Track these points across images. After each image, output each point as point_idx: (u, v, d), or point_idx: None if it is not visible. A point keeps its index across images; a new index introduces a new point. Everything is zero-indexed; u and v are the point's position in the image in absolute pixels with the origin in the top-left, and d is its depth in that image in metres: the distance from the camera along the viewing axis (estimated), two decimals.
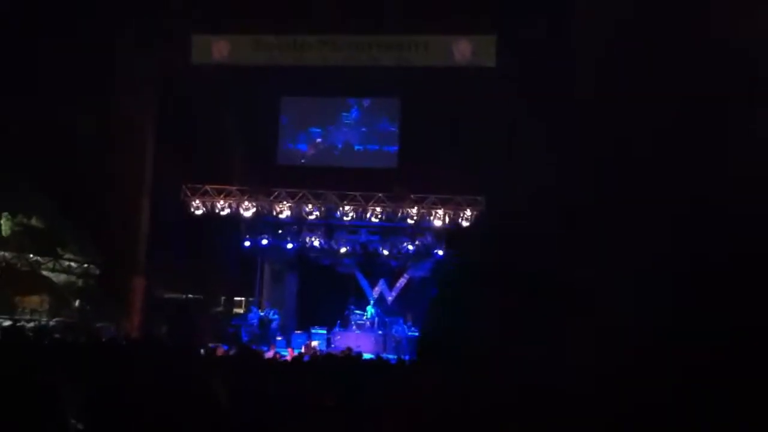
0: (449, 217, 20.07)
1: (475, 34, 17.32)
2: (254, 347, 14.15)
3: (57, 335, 13.59)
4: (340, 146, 21.57)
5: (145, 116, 19.42)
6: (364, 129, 21.45)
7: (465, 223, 20.06)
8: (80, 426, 3.65)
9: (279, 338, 20.91)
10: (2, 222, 22.70)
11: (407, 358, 14.30)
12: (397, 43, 17.61)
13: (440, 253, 21.21)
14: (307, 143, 21.69)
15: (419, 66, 17.53)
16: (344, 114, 21.38)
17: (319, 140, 21.60)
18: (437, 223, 20.24)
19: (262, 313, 21.67)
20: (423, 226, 20.53)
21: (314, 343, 19.79)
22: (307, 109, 21.66)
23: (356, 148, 21.46)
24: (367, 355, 12.61)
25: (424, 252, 21.42)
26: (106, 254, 20.43)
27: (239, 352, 10.55)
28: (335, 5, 17.32)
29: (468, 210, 19.87)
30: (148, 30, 17.32)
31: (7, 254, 22.86)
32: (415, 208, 20.22)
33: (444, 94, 17.82)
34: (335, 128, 21.42)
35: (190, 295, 22.96)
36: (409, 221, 20.43)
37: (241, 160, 20.15)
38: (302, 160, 21.67)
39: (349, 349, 14.64)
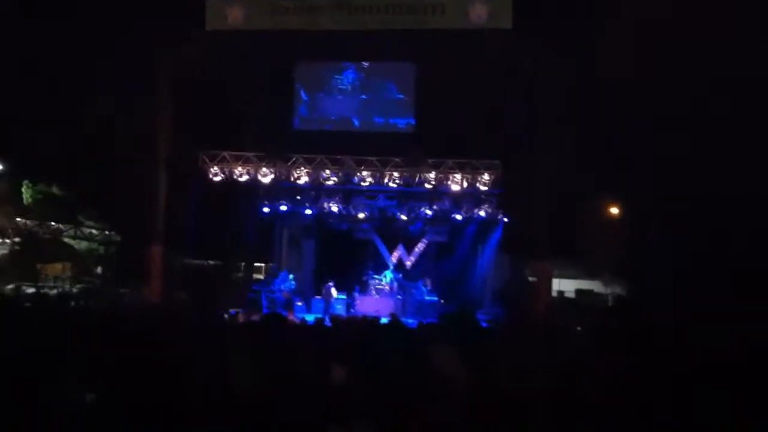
0: (467, 181, 20.00)
1: None
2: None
3: (80, 301, 13.76)
4: (343, 115, 21.37)
5: (161, 84, 19.40)
6: (364, 96, 21.31)
7: (483, 188, 20.00)
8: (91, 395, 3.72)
9: (299, 303, 21.09)
10: (23, 190, 22.94)
11: (427, 321, 14.35)
12: (413, 5, 17.39)
13: (458, 217, 21.23)
14: (319, 108, 21.57)
15: (435, 29, 17.31)
16: (347, 79, 21.19)
17: (328, 103, 21.45)
18: (455, 187, 20.19)
19: (292, 280, 21.82)
20: (441, 190, 20.49)
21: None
22: (320, 73, 21.54)
23: (355, 122, 21.27)
24: (384, 320, 12.68)
25: (442, 216, 21.43)
26: (126, 221, 20.60)
27: (264, 318, 10.61)
28: None
29: (486, 174, 19.79)
30: None
31: (29, 222, 23.16)
32: (433, 172, 20.16)
33: (459, 57, 17.65)
34: (340, 95, 21.24)
35: (210, 262, 23.16)
36: (427, 186, 20.39)
37: (258, 127, 20.14)
38: (325, 126, 21.47)
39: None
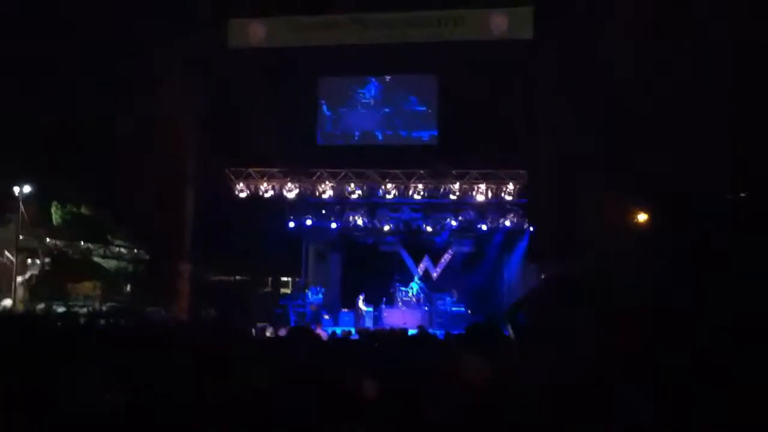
0: (491, 191, 19.97)
1: (512, 6, 17.12)
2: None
3: (110, 320, 13.90)
4: (366, 130, 21.41)
5: (186, 103, 19.64)
6: (387, 110, 21.34)
7: (508, 198, 19.95)
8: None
9: (326, 317, 21.13)
10: (53, 211, 23.27)
11: (455, 333, 14.27)
12: (432, 18, 17.46)
13: (483, 227, 21.18)
14: (341, 123, 21.65)
15: (455, 41, 17.36)
16: (369, 93, 21.25)
17: (351, 117, 21.52)
18: (479, 198, 20.16)
19: (320, 295, 21.95)
20: (465, 201, 20.47)
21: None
22: (342, 88, 21.63)
23: (379, 136, 21.30)
24: (412, 331, 12.67)
25: (467, 227, 21.40)
26: (154, 240, 20.81)
27: (291, 332, 10.64)
28: None
29: (510, 184, 19.75)
30: (185, 16, 17.46)
31: (58, 242, 23.47)
32: (457, 183, 20.15)
33: (480, 68, 17.66)
34: (363, 109, 21.29)
35: (237, 277, 23.30)
36: (452, 197, 20.38)
37: (283, 143, 20.27)
38: (349, 141, 21.51)
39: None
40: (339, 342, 9.48)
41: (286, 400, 4.03)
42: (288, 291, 24.43)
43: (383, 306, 21.44)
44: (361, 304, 21.18)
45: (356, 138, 21.35)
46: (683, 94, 14.41)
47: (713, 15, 13.41)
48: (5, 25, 16.88)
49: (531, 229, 20.83)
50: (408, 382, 4.51)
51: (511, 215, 20.72)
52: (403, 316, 20.56)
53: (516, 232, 21.21)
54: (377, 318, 21.07)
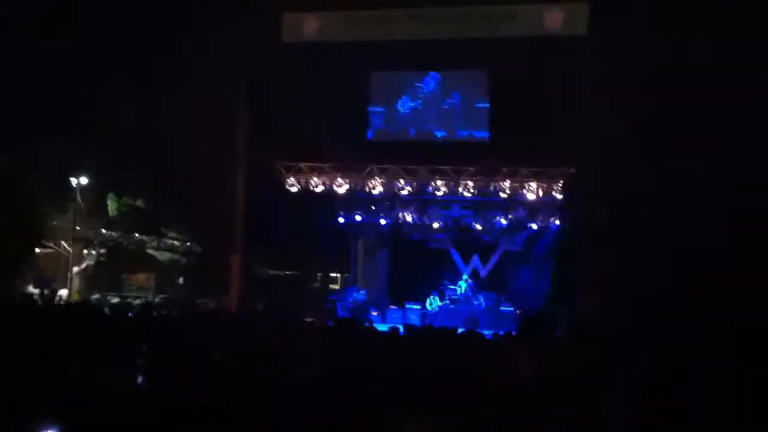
0: (542, 189, 19.75)
1: (567, 2, 16.90)
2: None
3: (163, 311, 14.13)
4: (420, 126, 21.30)
5: (237, 96, 19.85)
6: (440, 107, 21.16)
7: (558, 196, 19.69)
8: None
9: (375, 313, 21.14)
10: (108, 202, 23.73)
11: (503, 332, 14.18)
12: (486, 13, 17.34)
13: (534, 226, 20.97)
14: (393, 118, 21.58)
15: (509, 37, 17.21)
16: (422, 89, 21.12)
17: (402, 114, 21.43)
18: (530, 196, 19.96)
19: (361, 292, 22.03)
20: (516, 199, 20.28)
21: None
22: (394, 84, 21.57)
23: (436, 133, 21.17)
24: (461, 330, 12.58)
25: (517, 226, 21.21)
26: (207, 233, 21.09)
27: (339, 324, 10.69)
28: None
29: (561, 182, 19.49)
30: (239, 9, 17.65)
31: (114, 234, 23.94)
32: (508, 181, 19.98)
33: (533, 65, 17.45)
34: (416, 105, 21.18)
35: (287, 272, 23.48)
36: (502, 195, 20.21)
37: (333, 137, 20.34)
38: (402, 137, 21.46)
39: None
40: (382, 336, 9.48)
41: (339, 388, 4.06)
42: (337, 287, 24.54)
43: (431, 303, 21.37)
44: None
45: (411, 135, 21.27)
46: (734, 93, 14.05)
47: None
48: (62, 24, 17.30)
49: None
50: (457, 377, 4.49)
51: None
52: (452, 314, 20.47)
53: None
54: (425, 315, 21.01)
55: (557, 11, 16.98)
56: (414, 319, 20.52)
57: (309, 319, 14.41)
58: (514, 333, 8.61)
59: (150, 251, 24.59)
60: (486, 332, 13.30)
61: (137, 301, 18.94)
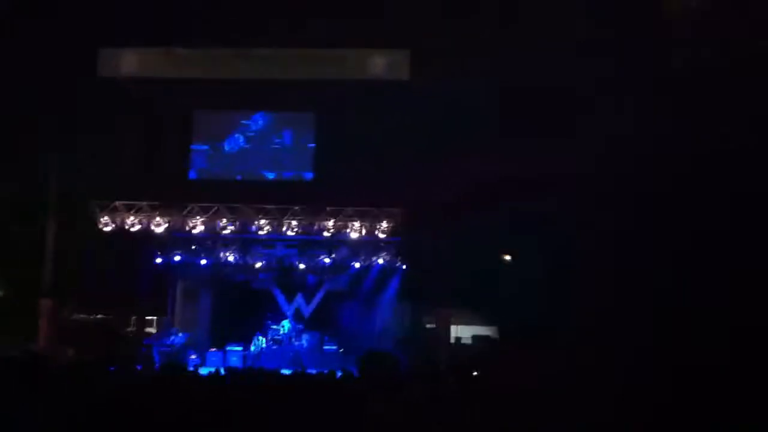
0: (365, 229, 20.12)
1: (390, 48, 17.55)
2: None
3: None
4: (242, 167, 21.19)
5: (49, 131, 18.75)
6: (264, 147, 21.17)
7: (382, 235, 20.14)
8: None
9: (193, 356, 20.50)
10: None
11: (326, 371, 14.20)
12: (313, 56, 17.61)
13: (356, 265, 21.28)
14: (217, 157, 21.26)
15: (334, 79, 17.57)
16: (246, 129, 21.06)
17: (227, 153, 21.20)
18: (354, 235, 20.26)
19: (179, 333, 21.31)
20: (340, 238, 20.51)
21: None
22: (219, 123, 21.31)
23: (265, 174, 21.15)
24: (285, 371, 12.48)
25: (340, 264, 21.43)
26: (12, 275, 19.61)
27: (160, 370, 10.23)
28: (248, 18, 17.20)
29: (384, 222, 19.95)
30: (53, 43, 16.76)
31: None
32: (332, 220, 20.17)
33: (358, 108, 17.93)
34: (240, 145, 21.06)
35: (99, 316, 22.23)
36: (326, 234, 20.36)
37: (153, 175, 19.68)
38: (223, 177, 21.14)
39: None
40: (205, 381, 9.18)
41: None
42: (153, 330, 23.53)
43: (253, 345, 21.07)
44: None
45: (238, 178, 21.01)
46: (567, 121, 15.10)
47: None
48: None
49: (404, 267, 21.12)
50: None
51: (384, 253, 20.94)
52: (275, 355, 20.28)
53: (389, 270, 21.44)
54: (246, 357, 20.63)
55: (380, 56, 17.54)
56: (235, 361, 20.13)
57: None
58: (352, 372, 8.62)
59: None
60: (311, 371, 13.31)
61: None
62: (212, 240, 21.09)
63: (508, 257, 21.45)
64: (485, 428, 3.79)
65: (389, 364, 5.59)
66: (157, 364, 19.01)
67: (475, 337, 22.81)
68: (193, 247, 21.36)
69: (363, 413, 4.75)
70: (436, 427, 4.14)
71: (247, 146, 21.05)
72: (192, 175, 20.96)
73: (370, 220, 20.06)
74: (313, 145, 20.71)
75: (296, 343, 21.39)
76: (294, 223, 20.23)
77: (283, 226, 20.25)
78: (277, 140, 21.08)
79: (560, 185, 15.05)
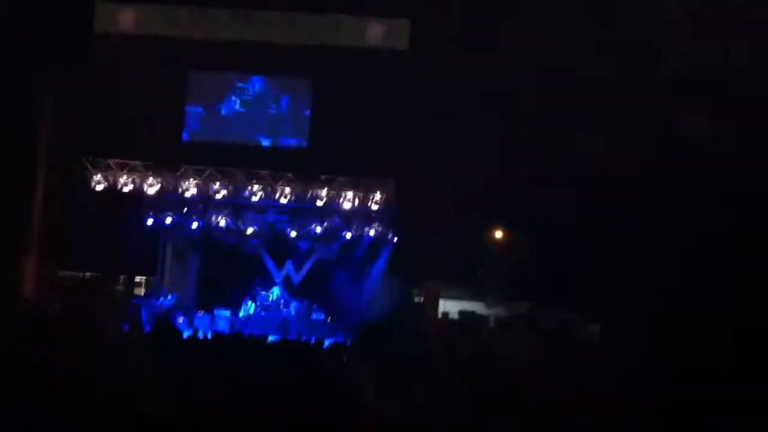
0: (359, 199, 20.00)
1: (389, 17, 17.37)
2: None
3: None
4: (237, 132, 20.97)
5: (42, 86, 18.53)
6: (272, 111, 20.91)
7: (374, 206, 20.04)
8: None
9: (180, 320, 20.46)
10: None
11: (313, 340, 14.19)
12: (311, 22, 17.41)
13: (348, 235, 21.19)
14: (212, 120, 21.05)
15: (332, 45, 17.39)
16: (242, 93, 20.80)
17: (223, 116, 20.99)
18: (346, 205, 20.15)
19: (168, 296, 21.26)
20: (332, 207, 20.41)
21: None
22: (215, 85, 21.06)
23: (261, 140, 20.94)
24: (272, 337, 12.43)
25: (332, 234, 21.33)
26: None
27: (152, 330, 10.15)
28: None
29: (378, 193, 19.84)
30: None
31: None
32: (325, 189, 20.06)
33: (356, 77, 17.74)
34: (235, 109, 20.82)
35: (87, 274, 22.15)
36: (318, 203, 20.26)
37: (147, 135, 19.48)
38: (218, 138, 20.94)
39: None
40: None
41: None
42: (142, 291, 23.47)
43: (242, 310, 21.03)
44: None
45: (232, 140, 20.81)
46: (562, 104, 15.02)
47: None
48: None
49: (395, 239, 21.03)
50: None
51: (376, 224, 20.84)
52: (262, 321, 20.25)
53: (380, 241, 21.34)
54: (234, 323, 20.60)
55: (379, 25, 17.36)
56: (223, 326, 20.12)
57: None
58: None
59: None
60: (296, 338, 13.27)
61: None
62: (204, 203, 20.96)
63: (499, 234, 21.43)
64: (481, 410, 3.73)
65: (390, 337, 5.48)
66: (144, 323, 19.02)
67: (462, 313, 22.82)
68: (185, 210, 21.21)
69: (350, 385, 4.65)
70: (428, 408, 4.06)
71: (242, 110, 20.84)
72: (185, 136, 20.76)
73: (363, 190, 19.95)
74: (309, 112, 20.52)
75: (284, 310, 21.35)
76: (287, 190, 20.12)
77: (276, 193, 20.15)
78: (273, 106, 20.87)
79: (557, 166, 14.99)
